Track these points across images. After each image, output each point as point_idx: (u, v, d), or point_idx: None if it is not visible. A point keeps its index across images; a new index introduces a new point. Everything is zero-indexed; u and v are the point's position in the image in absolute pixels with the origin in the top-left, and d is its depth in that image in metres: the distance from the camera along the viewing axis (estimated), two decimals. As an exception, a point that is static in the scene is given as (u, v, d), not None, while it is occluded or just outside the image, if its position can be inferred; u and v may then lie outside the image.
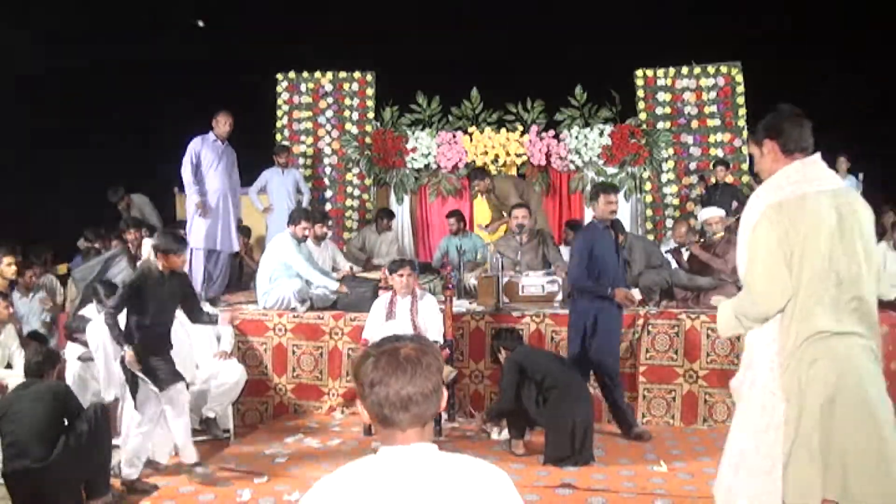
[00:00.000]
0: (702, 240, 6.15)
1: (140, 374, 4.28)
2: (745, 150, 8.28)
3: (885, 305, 5.66)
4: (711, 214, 6.01)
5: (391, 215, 8.07)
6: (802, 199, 2.47)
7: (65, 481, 3.86)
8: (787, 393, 2.47)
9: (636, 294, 5.08)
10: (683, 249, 6.12)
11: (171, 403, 4.32)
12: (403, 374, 1.56)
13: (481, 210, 8.17)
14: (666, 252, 6.68)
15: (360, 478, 1.56)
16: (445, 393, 1.66)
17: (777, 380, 2.50)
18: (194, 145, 6.62)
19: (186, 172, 6.49)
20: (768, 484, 2.48)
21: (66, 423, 3.97)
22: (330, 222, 7.50)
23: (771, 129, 2.62)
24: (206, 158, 6.58)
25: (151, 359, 4.30)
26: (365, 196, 8.69)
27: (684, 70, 8.36)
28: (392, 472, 1.55)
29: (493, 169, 8.28)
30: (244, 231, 8.18)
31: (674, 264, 6.27)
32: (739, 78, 8.28)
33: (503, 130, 8.37)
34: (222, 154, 6.63)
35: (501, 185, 7.46)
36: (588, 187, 8.40)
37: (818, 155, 2.59)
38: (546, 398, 4.55)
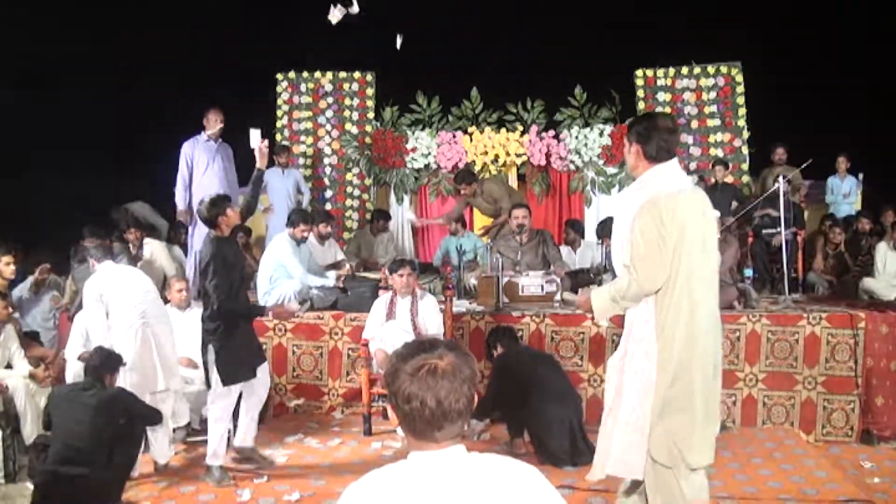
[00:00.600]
0: None
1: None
2: (744, 150, 8.29)
3: (885, 305, 5.70)
4: None
5: (386, 216, 8.05)
6: (676, 195, 2.82)
7: (107, 489, 3.86)
8: (663, 362, 2.79)
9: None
10: None
11: (219, 399, 4.27)
12: (441, 391, 1.52)
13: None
14: None
15: (392, 484, 1.52)
16: (475, 399, 1.63)
17: (654, 346, 2.82)
18: (186, 149, 6.52)
19: (179, 179, 6.48)
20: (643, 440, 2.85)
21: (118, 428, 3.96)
22: (333, 221, 7.48)
23: (641, 135, 2.93)
24: (199, 161, 6.49)
25: (231, 344, 4.19)
26: (365, 196, 8.69)
27: (684, 70, 8.37)
28: (425, 477, 1.52)
29: (493, 169, 8.28)
30: (244, 231, 8.17)
31: None
32: (739, 78, 8.29)
33: (503, 130, 8.37)
34: (216, 154, 6.57)
35: (490, 187, 7.40)
36: (588, 187, 8.41)
37: (676, 159, 2.96)
38: (532, 399, 4.53)
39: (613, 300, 2.90)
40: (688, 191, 2.89)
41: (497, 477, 1.52)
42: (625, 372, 2.92)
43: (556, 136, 8.33)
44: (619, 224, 2.96)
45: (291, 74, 8.76)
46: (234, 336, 4.22)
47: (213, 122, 6.55)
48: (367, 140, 8.57)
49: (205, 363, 4.36)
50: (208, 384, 4.37)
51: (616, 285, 2.91)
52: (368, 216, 8.37)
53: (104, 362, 4.15)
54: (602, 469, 3.01)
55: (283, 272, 5.94)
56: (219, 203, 4.27)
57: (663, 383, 2.79)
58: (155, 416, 4.21)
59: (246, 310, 4.30)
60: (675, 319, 2.79)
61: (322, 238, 6.82)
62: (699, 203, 2.88)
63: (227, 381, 4.21)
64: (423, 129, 8.50)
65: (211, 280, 4.12)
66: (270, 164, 7.86)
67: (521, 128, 8.37)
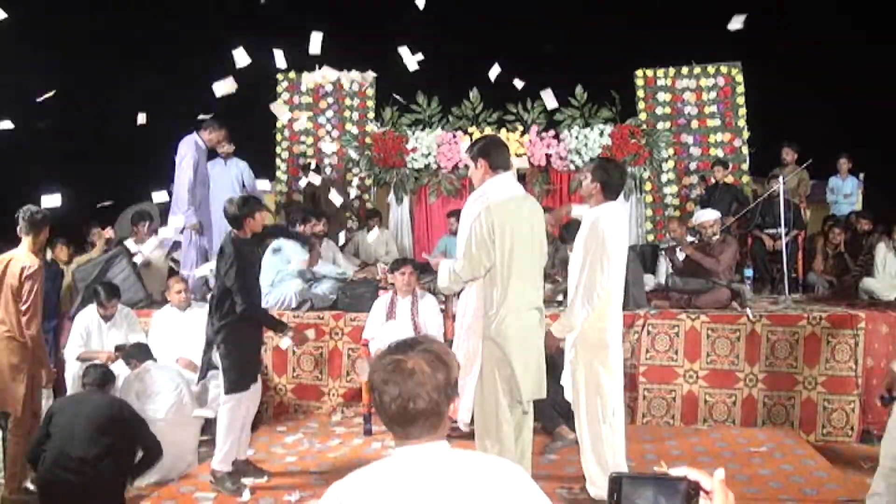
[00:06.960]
0: (695, 240, 6.18)
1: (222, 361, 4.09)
2: (745, 150, 8.29)
3: (885, 305, 5.70)
4: (706, 217, 6.04)
5: (374, 213, 8.02)
6: (506, 202, 3.40)
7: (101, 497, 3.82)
8: (487, 335, 3.40)
9: None
10: (678, 249, 6.12)
11: (229, 406, 4.15)
12: (403, 385, 1.54)
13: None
14: (661, 249, 6.73)
15: (375, 480, 1.53)
16: (458, 401, 1.64)
17: (480, 324, 3.41)
18: (192, 150, 6.10)
19: (184, 187, 6.01)
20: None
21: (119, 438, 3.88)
22: (324, 219, 7.33)
23: (483, 152, 3.49)
24: (199, 170, 6.21)
25: (239, 350, 4.11)
26: (365, 196, 8.69)
27: (684, 70, 8.37)
28: (406, 473, 1.53)
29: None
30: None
31: (663, 263, 6.33)
32: (739, 78, 8.29)
33: (503, 130, 8.36)
34: (209, 167, 6.49)
35: None
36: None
37: (513, 171, 3.57)
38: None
39: (450, 276, 3.49)
40: (519, 197, 3.48)
41: (479, 473, 1.52)
42: (458, 349, 3.47)
43: (557, 136, 8.33)
44: (464, 222, 3.48)
45: (291, 74, 8.75)
46: (242, 341, 4.13)
47: (219, 140, 6.46)
48: (368, 140, 8.56)
49: (205, 363, 4.25)
50: (201, 379, 4.44)
51: (455, 265, 3.49)
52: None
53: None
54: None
55: (285, 274, 5.91)
56: (250, 204, 4.22)
57: (488, 355, 3.40)
58: (155, 450, 4.04)
59: (270, 320, 4.31)
60: (496, 304, 3.39)
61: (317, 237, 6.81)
62: (526, 207, 3.49)
63: (230, 389, 4.10)
64: (423, 130, 8.49)
65: (234, 283, 4.03)
66: (214, 155, 7.13)
67: (521, 128, 8.36)
